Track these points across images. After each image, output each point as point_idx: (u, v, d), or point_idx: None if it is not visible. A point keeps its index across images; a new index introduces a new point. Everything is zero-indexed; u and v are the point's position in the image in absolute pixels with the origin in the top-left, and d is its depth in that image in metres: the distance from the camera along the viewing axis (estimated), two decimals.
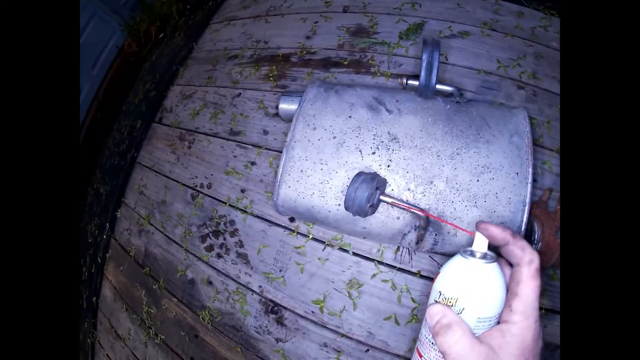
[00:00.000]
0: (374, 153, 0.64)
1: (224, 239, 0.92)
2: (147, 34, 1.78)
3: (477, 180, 0.65)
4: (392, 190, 0.62)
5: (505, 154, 0.68)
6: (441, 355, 0.38)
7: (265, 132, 0.93)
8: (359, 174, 0.53)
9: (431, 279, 0.74)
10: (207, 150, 1.02)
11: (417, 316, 0.73)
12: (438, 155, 0.64)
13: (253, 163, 0.92)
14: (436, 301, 0.35)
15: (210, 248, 0.95)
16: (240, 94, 1.02)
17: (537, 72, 0.91)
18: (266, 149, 0.91)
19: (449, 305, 0.35)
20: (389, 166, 0.63)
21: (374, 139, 0.65)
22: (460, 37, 0.95)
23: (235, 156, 0.95)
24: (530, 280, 0.33)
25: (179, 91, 1.22)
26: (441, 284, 0.36)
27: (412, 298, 0.74)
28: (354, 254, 0.78)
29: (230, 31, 1.19)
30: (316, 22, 1.03)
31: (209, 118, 1.05)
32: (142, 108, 1.38)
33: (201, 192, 1.00)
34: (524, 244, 0.34)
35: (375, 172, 0.59)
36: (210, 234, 0.95)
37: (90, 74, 1.99)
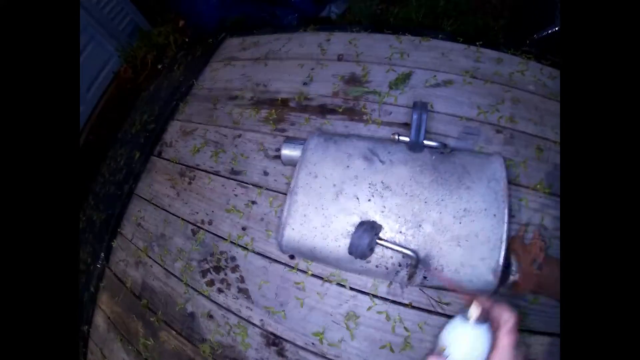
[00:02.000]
0: (369, 200, 0.74)
1: (225, 274, 0.99)
2: (144, 61, 1.87)
3: (460, 223, 0.76)
4: (386, 233, 0.72)
5: (484, 198, 0.79)
6: None
7: (266, 173, 1.02)
8: (362, 224, 0.62)
9: (422, 310, 0.84)
10: (208, 187, 1.10)
11: (410, 344, 0.82)
12: (425, 202, 0.74)
13: (254, 202, 1.00)
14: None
15: (211, 283, 1.01)
16: (241, 135, 1.11)
17: (514, 115, 1.04)
18: (267, 189, 1.00)
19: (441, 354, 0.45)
20: (382, 212, 0.73)
21: (369, 187, 0.75)
22: (444, 86, 1.08)
23: (236, 195, 1.04)
24: (507, 336, 0.42)
25: (179, 126, 1.30)
26: (442, 335, 0.47)
27: (405, 327, 0.83)
28: (351, 288, 0.86)
29: (231, 71, 1.30)
30: (313, 69, 1.14)
31: (210, 156, 1.14)
32: (141, 139, 1.44)
33: (202, 228, 1.07)
34: (503, 306, 0.45)
35: (373, 221, 0.69)
36: (211, 269, 1.02)
37: (85, 96, 2.03)
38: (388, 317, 0.83)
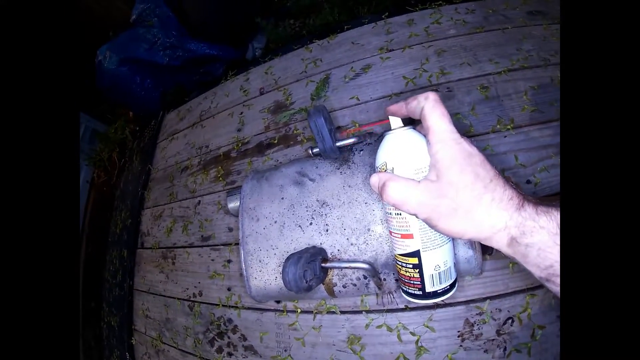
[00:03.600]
0: (311, 224, 0.74)
1: (229, 337, 1.01)
2: (111, 161, 1.99)
3: None
4: (338, 250, 0.72)
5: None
6: (399, 214, 0.46)
7: (230, 229, 1.05)
8: (288, 258, 0.63)
9: (420, 308, 0.81)
10: (189, 261, 1.14)
11: (424, 347, 0.79)
12: (366, 203, 0.74)
13: (229, 261, 1.03)
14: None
15: (220, 350, 1.03)
16: (200, 201, 1.15)
17: (444, 67, 1.02)
18: (235, 244, 1.02)
19: (382, 171, 0.44)
20: (327, 230, 0.73)
21: (307, 210, 0.76)
22: (364, 73, 1.08)
23: (212, 259, 1.07)
24: (432, 112, 0.39)
25: (149, 214, 1.36)
26: (376, 160, 0.47)
27: (410, 332, 0.80)
28: (342, 312, 0.85)
29: (176, 145, 1.36)
30: (241, 113, 1.19)
31: (181, 231, 1.18)
32: (124, 237, 1.52)
33: (196, 301, 1.10)
34: (415, 96, 0.42)
35: (305, 249, 0.69)
36: (216, 337, 1.04)
37: None
38: (389, 328, 0.82)
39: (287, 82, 1.16)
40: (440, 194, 0.37)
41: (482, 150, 0.91)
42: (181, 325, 1.15)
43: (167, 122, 1.49)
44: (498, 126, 0.93)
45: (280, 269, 0.76)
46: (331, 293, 0.75)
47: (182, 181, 1.26)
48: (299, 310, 0.89)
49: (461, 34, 1.07)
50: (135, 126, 1.85)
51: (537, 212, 0.34)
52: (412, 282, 0.53)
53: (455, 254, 0.58)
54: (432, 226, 0.40)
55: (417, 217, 0.41)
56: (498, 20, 1.08)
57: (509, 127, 0.92)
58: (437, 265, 0.49)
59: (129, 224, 1.47)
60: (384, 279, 0.71)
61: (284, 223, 0.77)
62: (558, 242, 0.33)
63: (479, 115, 0.95)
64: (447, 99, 0.98)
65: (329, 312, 0.86)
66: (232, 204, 0.91)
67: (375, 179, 0.44)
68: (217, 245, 1.07)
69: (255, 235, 0.79)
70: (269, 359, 0.92)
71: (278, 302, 0.93)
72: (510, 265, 0.78)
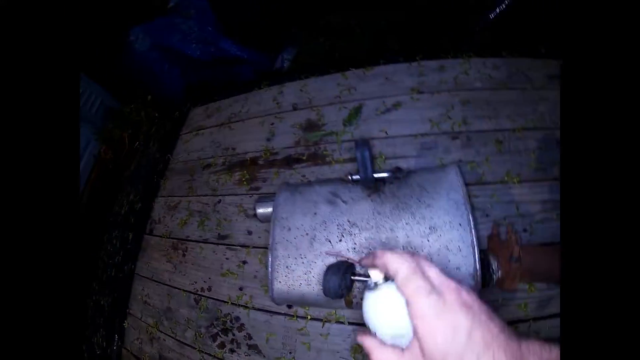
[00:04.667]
0: (340, 240, 0.84)
1: (233, 334, 1.08)
2: (121, 141, 2.02)
3: (428, 241, 0.86)
4: (362, 267, 0.82)
5: (447, 211, 0.90)
6: None
7: (250, 232, 1.13)
8: (329, 267, 0.73)
9: None
10: (201, 256, 1.21)
11: None
12: (392, 229, 0.85)
13: (244, 262, 1.11)
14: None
15: (222, 345, 1.10)
16: (220, 200, 1.23)
17: (466, 117, 1.15)
18: (253, 247, 1.11)
19: (370, 334, 0.42)
20: (354, 248, 0.83)
21: (337, 228, 0.86)
22: (394, 109, 1.21)
23: (227, 258, 1.14)
24: (405, 288, 0.37)
25: (163, 202, 1.43)
26: (365, 320, 0.44)
27: None
28: (349, 323, 0.95)
29: (200, 141, 1.44)
30: (272, 124, 1.28)
31: (197, 226, 1.25)
32: (131, 220, 1.57)
33: (203, 296, 1.17)
34: (385, 260, 0.40)
35: (342, 261, 0.79)
36: (220, 332, 1.11)
37: None
38: None
39: (321, 103, 1.26)
40: None
41: (490, 197, 1.06)
42: (183, 316, 1.21)
43: (193, 116, 1.57)
44: (506, 178, 1.06)
45: (306, 277, 0.85)
46: (349, 304, 0.85)
47: (203, 177, 1.34)
48: (309, 317, 0.98)
49: (486, 88, 1.20)
50: (154, 112, 1.90)
51: None
52: None
53: None
54: None
55: None
56: (520, 79, 1.22)
57: (515, 180, 1.05)
58: None
59: (139, 208, 1.52)
60: None
61: (315, 236, 0.86)
62: None
63: (491, 166, 1.08)
64: (466, 146, 1.11)
65: (337, 322, 0.96)
66: (262, 210, 1.00)
67: (363, 343, 0.43)
68: (234, 245, 1.15)
69: (286, 243, 0.88)
70: (273, 359, 1.00)
71: (290, 306, 1.01)
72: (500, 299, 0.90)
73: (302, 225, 0.89)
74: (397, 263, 0.38)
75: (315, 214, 0.90)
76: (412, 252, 0.42)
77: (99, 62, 2.02)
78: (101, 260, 1.71)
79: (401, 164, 1.09)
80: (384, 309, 0.40)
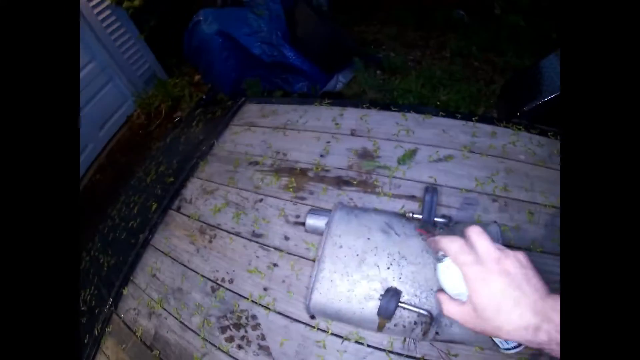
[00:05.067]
0: (388, 268, 0.91)
1: (246, 331, 1.10)
2: (158, 110, 2.05)
3: None
4: (404, 296, 0.88)
5: None
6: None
7: (287, 238, 1.18)
8: (388, 290, 0.79)
9: None
10: (230, 247, 1.24)
11: None
12: (435, 269, 0.92)
13: (275, 265, 1.15)
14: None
15: (230, 339, 1.12)
16: (262, 199, 1.28)
17: (507, 185, 1.25)
18: (288, 253, 1.15)
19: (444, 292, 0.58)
20: (400, 278, 0.89)
21: (387, 256, 0.92)
22: (445, 161, 1.30)
23: (257, 256, 1.18)
24: (456, 262, 0.50)
25: (199, 185, 1.46)
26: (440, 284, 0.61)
27: None
28: (368, 345, 0.99)
29: (251, 137, 1.49)
30: (328, 142, 1.35)
31: (232, 217, 1.29)
32: (157, 190, 1.58)
33: (222, 286, 1.19)
34: (440, 243, 0.56)
35: (396, 288, 0.85)
36: (231, 326, 1.13)
37: (97, 135, 2.16)
38: None
39: (379, 136, 1.35)
40: (480, 321, 0.48)
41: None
42: (194, 300, 1.22)
43: (247, 110, 1.62)
44: (531, 247, 1.15)
45: (348, 294, 0.90)
46: (381, 327, 0.90)
47: (247, 172, 1.38)
48: (329, 332, 1.02)
49: (528, 162, 1.31)
50: (199, 92, 1.95)
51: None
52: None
53: None
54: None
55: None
56: (558, 161, 1.33)
57: (539, 250, 1.14)
58: None
59: (170, 182, 1.54)
60: (430, 330, 0.88)
61: (365, 259, 0.92)
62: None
63: (520, 232, 1.17)
64: (502, 211, 1.20)
65: (357, 342, 1.00)
66: (312, 221, 1.05)
67: (438, 297, 0.59)
68: (268, 246, 1.19)
69: (335, 259, 0.93)
70: None
71: (313, 317, 1.05)
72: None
73: (354, 245, 0.95)
74: (447, 244, 0.54)
75: (368, 238, 0.96)
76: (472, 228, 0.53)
77: (160, 31, 2.07)
78: (111, 219, 1.70)
79: (444, 212, 1.17)
80: (446, 276, 0.56)
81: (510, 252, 0.50)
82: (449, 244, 0.54)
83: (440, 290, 0.60)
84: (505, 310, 0.45)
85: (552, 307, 0.43)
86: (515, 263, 0.48)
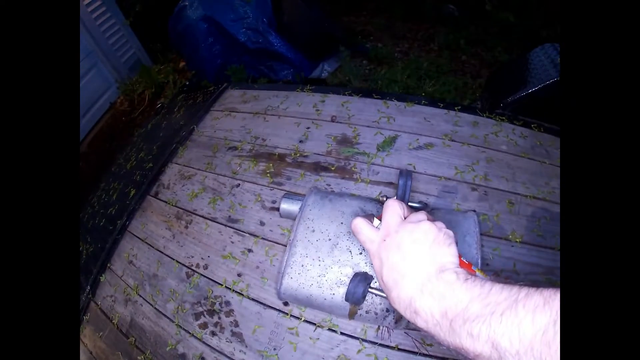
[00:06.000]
0: (360, 253, 0.89)
1: (219, 318, 1.08)
2: (141, 96, 2.01)
3: None
4: (375, 282, 0.86)
5: (461, 251, 0.96)
6: None
7: (262, 224, 1.15)
8: (356, 274, 0.77)
9: (407, 352, 0.96)
10: (205, 232, 1.21)
11: None
12: None
13: (250, 250, 1.13)
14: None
15: (204, 325, 1.10)
16: (239, 184, 1.25)
17: (488, 174, 1.24)
18: (262, 238, 1.13)
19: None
20: (372, 264, 0.88)
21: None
22: (425, 149, 1.28)
23: (232, 242, 1.16)
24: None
25: (177, 170, 1.43)
26: None
27: None
28: (342, 333, 0.98)
29: (231, 122, 1.46)
30: (308, 128, 1.33)
31: (208, 202, 1.26)
32: (136, 177, 1.55)
33: (197, 272, 1.17)
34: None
35: (366, 272, 0.84)
36: (205, 313, 1.11)
37: (79, 122, 2.12)
38: (377, 359, 0.96)
39: (359, 123, 1.33)
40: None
41: (493, 250, 1.14)
42: (169, 287, 1.20)
43: (229, 96, 1.59)
44: (510, 236, 1.14)
45: (319, 279, 0.89)
46: (352, 315, 0.88)
47: (225, 158, 1.35)
48: (302, 318, 1.01)
49: (510, 153, 1.31)
50: (183, 78, 1.91)
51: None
52: None
53: None
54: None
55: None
56: (541, 153, 1.33)
57: (517, 240, 1.14)
58: None
59: (148, 168, 1.51)
60: (403, 317, 0.87)
61: (337, 243, 0.90)
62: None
63: (500, 222, 1.16)
64: (482, 200, 1.19)
65: (330, 329, 0.99)
66: (286, 206, 1.03)
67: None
68: (243, 232, 1.17)
69: (306, 243, 0.91)
70: (255, 351, 1.01)
71: (286, 304, 1.04)
72: None
73: (326, 230, 0.93)
74: (355, 226, 0.57)
75: (341, 223, 0.94)
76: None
77: (146, 17, 2.03)
78: (91, 206, 1.66)
79: (421, 199, 1.16)
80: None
81: (412, 224, 0.46)
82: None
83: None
84: (395, 287, 0.44)
85: (448, 282, 0.38)
86: (414, 235, 0.44)
